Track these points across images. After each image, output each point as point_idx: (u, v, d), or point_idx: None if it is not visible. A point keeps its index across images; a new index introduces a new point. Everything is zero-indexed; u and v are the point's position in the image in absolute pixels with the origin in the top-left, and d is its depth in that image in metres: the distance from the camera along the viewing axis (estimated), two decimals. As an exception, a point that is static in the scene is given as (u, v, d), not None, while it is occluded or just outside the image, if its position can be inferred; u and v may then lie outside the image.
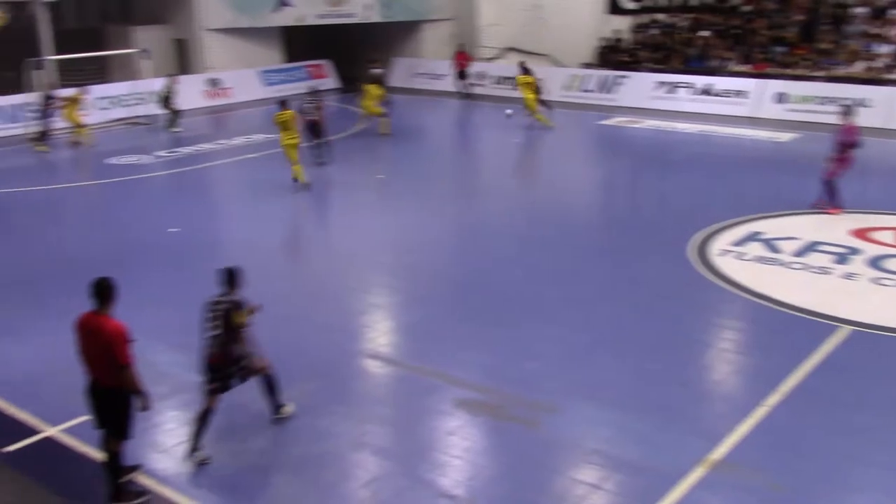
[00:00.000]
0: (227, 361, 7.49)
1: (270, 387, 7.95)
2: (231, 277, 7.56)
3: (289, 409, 8.12)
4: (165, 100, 22.98)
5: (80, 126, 21.45)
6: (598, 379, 8.89)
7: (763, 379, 8.81)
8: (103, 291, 6.69)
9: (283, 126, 16.59)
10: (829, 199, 14.25)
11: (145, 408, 6.80)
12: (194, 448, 7.44)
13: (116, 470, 6.86)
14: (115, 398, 6.72)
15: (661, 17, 28.25)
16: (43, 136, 21.06)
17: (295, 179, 16.71)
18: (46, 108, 21.09)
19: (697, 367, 9.29)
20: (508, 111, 23.70)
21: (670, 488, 6.94)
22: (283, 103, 17.10)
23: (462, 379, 8.91)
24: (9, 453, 7.63)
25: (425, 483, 7.13)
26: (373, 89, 22.43)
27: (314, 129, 18.48)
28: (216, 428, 8.02)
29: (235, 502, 6.95)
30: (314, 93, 19.20)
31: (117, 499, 6.85)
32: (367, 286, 11.81)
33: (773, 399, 8.32)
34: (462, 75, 28.68)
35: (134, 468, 7.21)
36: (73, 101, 21.41)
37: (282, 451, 7.62)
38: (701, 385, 8.91)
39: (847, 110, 14.30)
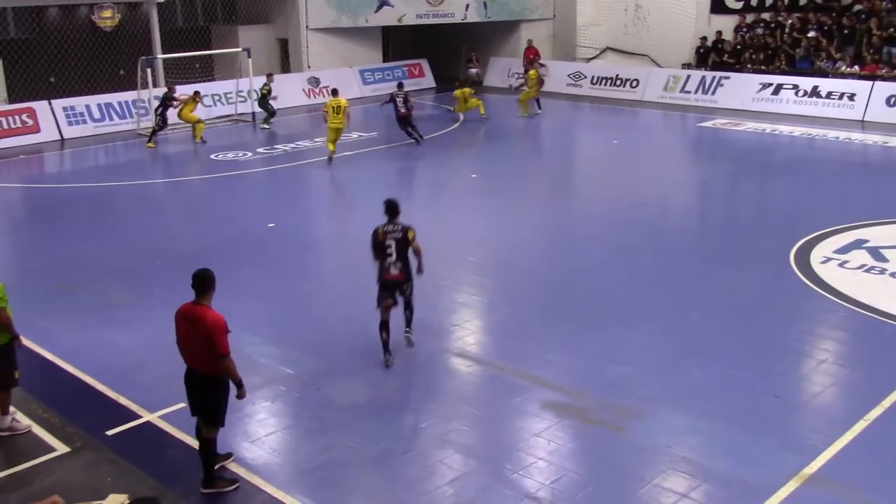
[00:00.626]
0: (405, 279, 9.20)
1: (411, 311, 9.36)
2: (393, 207, 8.77)
3: (412, 337, 9.36)
4: (262, 98, 23.58)
5: (198, 122, 22.08)
6: (688, 387, 8.71)
7: (863, 393, 8.48)
8: (203, 283, 6.91)
9: (335, 111, 18.91)
10: None
11: (241, 396, 6.99)
12: (386, 350, 9.17)
13: (210, 456, 7.08)
14: (210, 386, 6.93)
15: (766, 16, 27.43)
16: (154, 133, 21.80)
17: (330, 159, 19.21)
18: (164, 106, 21.62)
19: (794, 379, 9.00)
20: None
21: (761, 501, 6.75)
22: (335, 92, 20.34)
23: (549, 381, 8.86)
24: (109, 436, 7.95)
25: (509, 483, 7.12)
26: (465, 93, 24.13)
27: (403, 121, 20.54)
28: (303, 422, 8.21)
29: (321, 495, 7.07)
30: (400, 86, 21.61)
31: (210, 484, 7.06)
32: (457, 284, 11.86)
33: (874, 414, 8.00)
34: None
35: (227, 456, 7.43)
36: (191, 101, 22.09)
37: (367, 446, 7.71)
38: (797, 397, 8.62)
39: None
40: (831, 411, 8.33)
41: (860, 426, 7.81)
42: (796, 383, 8.92)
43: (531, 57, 28.68)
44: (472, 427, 8.12)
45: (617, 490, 7.01)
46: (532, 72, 24.91)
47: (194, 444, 7.41)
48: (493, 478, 7.23)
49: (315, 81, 28.17)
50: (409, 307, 9.38)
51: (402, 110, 20.36)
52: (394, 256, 9.09)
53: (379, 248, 9.18)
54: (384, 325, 9.19)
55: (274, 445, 7.83)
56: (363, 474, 7.36)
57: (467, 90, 24.38)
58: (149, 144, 21.54)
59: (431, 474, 7.32)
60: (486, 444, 7.84)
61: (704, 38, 27.40)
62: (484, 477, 7.25)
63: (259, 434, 8.00)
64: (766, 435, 7.75)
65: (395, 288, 9.20)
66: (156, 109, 21.93)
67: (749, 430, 7.84)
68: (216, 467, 7.17)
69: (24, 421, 8.18)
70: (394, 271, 9.09)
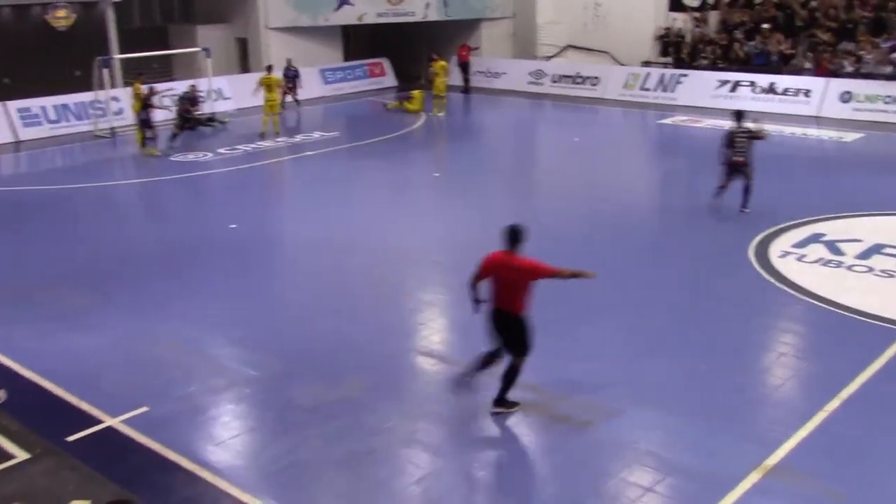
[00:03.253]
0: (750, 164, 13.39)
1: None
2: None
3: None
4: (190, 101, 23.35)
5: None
6: (651, 382, 8.79)
7: (822, 384, 8.63)
8: (517, 235, 7.86)
9: (268, 88, 21.36)
10: None
11: (584, 276, 8.04)
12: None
13: (511, 381, 7.99)
14: (518, 324, 7.85)
15: (722, 12, 27.78)
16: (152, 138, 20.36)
17: (262, 133, 21.43)
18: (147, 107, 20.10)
19: (754, 371, 9.14)
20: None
21: (725, 493, 6.84)
22: (269, 68, 22.72)
23: (514, 378, 8.89)
24: (70, 442, 7.84)
25: (477, 481, 7.14)
26: (439, 67, 24.87)
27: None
28: (268, 424, 8.16)
29: (288, 497, 7.03)
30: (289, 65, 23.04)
31: (501, 404, 8.07)
32: (421, 283, 11.86)
33: (833, 405, 8.14)
34: (464, 68, 29.33)
35: (514, 404, 8.14)
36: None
37: (333, 446, 7.68)
38: (757, 389, 8.75)
39: None
40: (791, 403, 8.47)
41: (820, 417, 7.94)
42: (757, 376, 9.05)
43: (463, 54, 29.40)
44: (438, 426, 8.13)
45: (584, 486, 7.07)
46: (438, 63, 25.23)
47: (157, 448, 7.34)
48: (461, 476, 7.24)
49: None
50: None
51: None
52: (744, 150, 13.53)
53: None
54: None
55: (239, 448, 7.77)
56: (330, 475, 7.34)
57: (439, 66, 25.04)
58: (154, 151, 20.35)
59: (399, 473, 7.32)
60: (452, 443, 7.86)
61: (668, 29, 27.67)
62: (451, 475, 7.27)
63: (223, 437, 7.94)
64: (728, 428, 7.86)
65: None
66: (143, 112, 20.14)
67: (711, 423, 7.94)
68: (507, 395, 8.05)
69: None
70: (741, 158, 13.66)
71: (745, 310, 10.61)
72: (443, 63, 25.15)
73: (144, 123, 20.24)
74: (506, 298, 7.88)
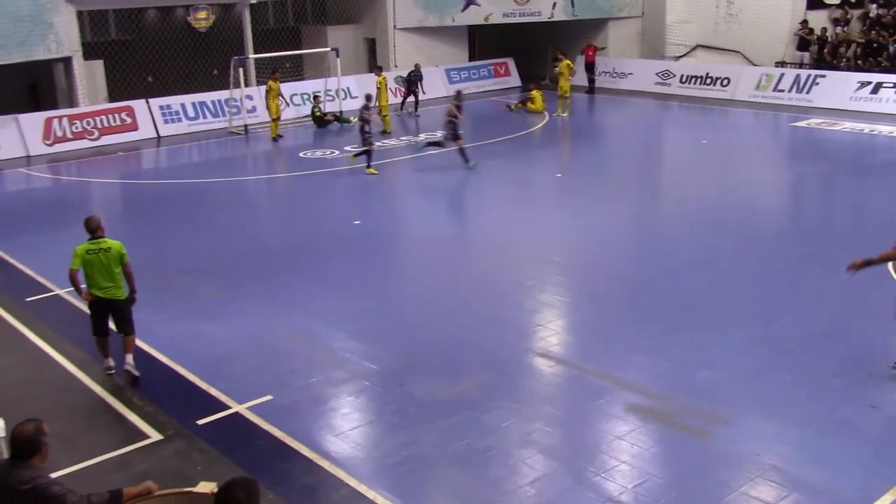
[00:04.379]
0: None
1: None
2: None
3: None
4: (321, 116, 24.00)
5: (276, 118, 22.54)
6: (777, 393, 8.48)
7: (966, 405, 8.13)
8: None
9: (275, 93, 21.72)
10: None
11: None
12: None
13: None
14: None
15: (865, 10, 26.49)
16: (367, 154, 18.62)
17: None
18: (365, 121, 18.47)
19: (891, 389, 8.66)
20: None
21: (853, 514, 6.55)
22: (378, 69, 23.43)
23: (634, 383, 8.75)
24: (200, 425, 8.19)
25: (591, 486, 7.06)
26: (563, 67, 24.48)
27: (452, 130, 18.70)
28: (386, 418, 8.30)
29: (402, 490, 7.13)
30: (458, 95, 19.45)
31: None
32: (540, 284, 11.81)
33: (977, 427, 7.66)
34: (589, 68, 28.74)
35: None
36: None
37: (449, 443, 7.75)
38: (894, 407, 8.31)
39: None
40: (930, 423, 8.01)
41: (961, 439, 7.50)
42: (893, 394, 8.59)
43: (589, 53, 28.85)
44: (555, 428, 8.08)
45: (701, 496, 6.88)
46: (563, 63, 24.88)
47: (280, 435, 7.58)
48: (575, 479, 7.18)
49: (403, 81, 28.39)
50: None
51: (452, 117, 18.58)
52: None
53: None
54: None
55: (357, 440, 7.94)
56: (444, 471, 7.40)
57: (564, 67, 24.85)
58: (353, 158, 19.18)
59: (513, 473, 7.31)
60: (568, 446, 7.79)
61: (805, 22, 26.58)
62: (566, 478, 7.21)
63: (343, 428, 8.12)
64: (860, 446, 7.50)
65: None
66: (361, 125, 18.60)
67: (842, 440, 7.60)
68: None
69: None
70: None
71: (882, 323, 10.06)
72: (567, 62, 24.93)
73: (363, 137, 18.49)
74: None
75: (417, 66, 25.96)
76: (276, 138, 22.41)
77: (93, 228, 8.98)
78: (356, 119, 19.74)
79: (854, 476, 7.03)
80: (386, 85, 23.60)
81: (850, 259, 9.04)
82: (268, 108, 22.55)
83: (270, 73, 23.11)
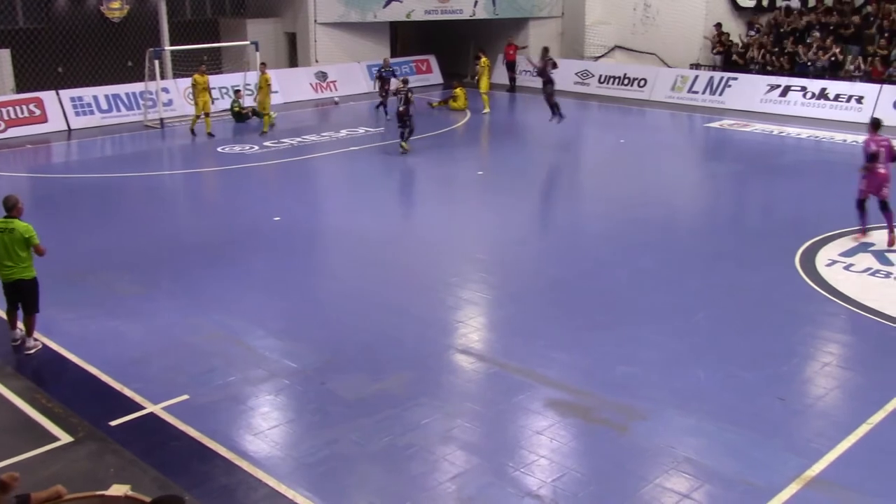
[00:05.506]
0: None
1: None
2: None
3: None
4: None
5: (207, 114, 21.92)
6: (692, 388, 8.70)
7: (868, 396, 8.47)
8: None
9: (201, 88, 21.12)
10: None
11: None
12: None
13: None
14: None
15: (775, 16, 27.37)
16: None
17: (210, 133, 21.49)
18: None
19: (798, 381, 8.99)
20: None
21: (764, 503, 6.75)
22: (262, 66, 22.49)
23: (553, 379, 8.87)
24: (113, 427, 7.97)
25: (511, 480, 7.12)
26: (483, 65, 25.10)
27: (402, 118, 19.40)
28: (306, 417, 8.22)
29: (323, 489, 7.07)
30: (405, 82, 20.20)
31: None
32: (463, 281, 11.85)
33: (877, 417, 7.99)
34: (510, 67, 29.24)
35: None
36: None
37: (370, 441, 7.72)
38: (801, 399, 8.61)
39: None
40: (835, 414, 8.32)
41: (863, 429, 7.80)
42: (800, 386, 8.91)
43: (510, 52, 29.36)
44: (476, 424, 8.12)
45: (619, 489, 7.01)
46: (483, 61, 25.54)
47: (197, 436, 7.43)
48: (496, 475, 7.23)
49: (322, 76, 28.18)
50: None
51: (401, 107, 19.34)
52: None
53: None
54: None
55: (276, 439, 7.84)
56: (366, 469, 7.36)
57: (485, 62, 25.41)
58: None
59: (434, 470, 7.33)
60: (488, 441, 7.84)
61: (719, 25, 27.30)
62: (486, 474, 7.25)
63: (262, 427, 8.01)
64: (770, 437, 7.75)
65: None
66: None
67: (753, 431, 7.84)
68: None
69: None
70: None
71: (790, 318, 10.45)
72: (485, 60, 25.21)
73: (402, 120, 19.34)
74: None
75: (386, 61, 25.50)
76: (210, 135, 21.68)
77: (8, 207, 9.29)
78: (400, 103, 19.48)
79: (764, 466, 7.26)
80: (268, 83, 22.53)
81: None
82: (195, 103, 21.89)
83: (197, 66, 22.46)
